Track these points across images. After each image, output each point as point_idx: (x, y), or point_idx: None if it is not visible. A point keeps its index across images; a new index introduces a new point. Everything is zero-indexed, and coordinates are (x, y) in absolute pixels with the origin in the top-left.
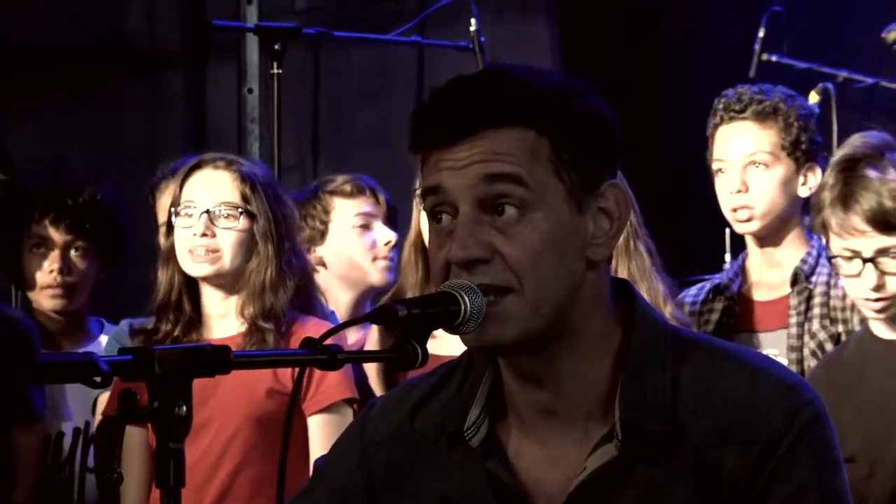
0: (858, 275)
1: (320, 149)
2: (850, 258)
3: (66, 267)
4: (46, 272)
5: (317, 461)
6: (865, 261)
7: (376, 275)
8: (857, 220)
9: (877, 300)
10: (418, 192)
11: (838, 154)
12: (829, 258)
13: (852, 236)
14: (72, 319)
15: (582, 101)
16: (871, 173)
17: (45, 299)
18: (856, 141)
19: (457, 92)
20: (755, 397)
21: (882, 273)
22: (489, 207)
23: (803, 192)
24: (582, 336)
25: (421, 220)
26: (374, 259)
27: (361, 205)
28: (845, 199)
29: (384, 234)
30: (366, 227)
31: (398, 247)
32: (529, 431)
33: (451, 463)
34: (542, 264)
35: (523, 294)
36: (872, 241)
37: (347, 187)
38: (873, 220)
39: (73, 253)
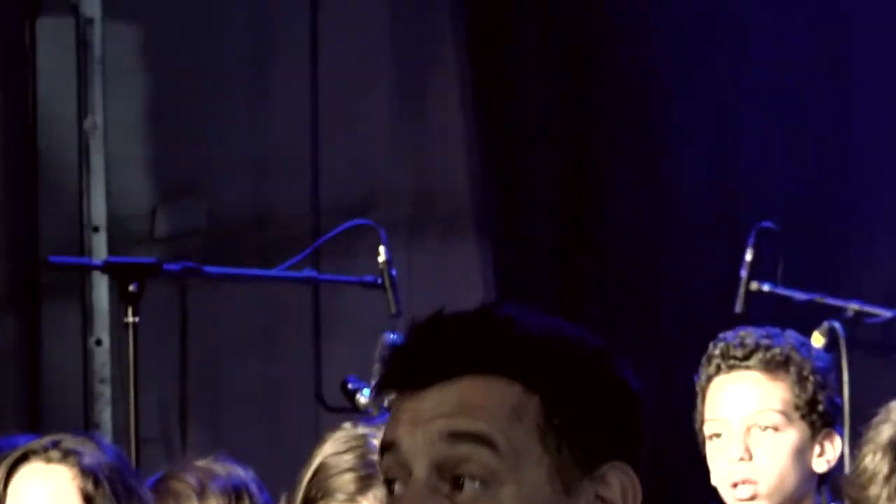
0: None
1: (189, 414)
2: None
3: None
4: None
5: None
6: None
7: None
8: None
9: None
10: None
11: (884, 432)
12: None
13: None
14: None
15: (592, 360)
16: None
17: None
18: None
19: (435, 329)
20: None
21: None
22: (449, 477)
23: (819, 465)
24: None
25: None
26: None
27: None
28: None
29: None
30: None
31: None
32: None
33: None
34: None
35: None
36: None
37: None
38: None
39: None
